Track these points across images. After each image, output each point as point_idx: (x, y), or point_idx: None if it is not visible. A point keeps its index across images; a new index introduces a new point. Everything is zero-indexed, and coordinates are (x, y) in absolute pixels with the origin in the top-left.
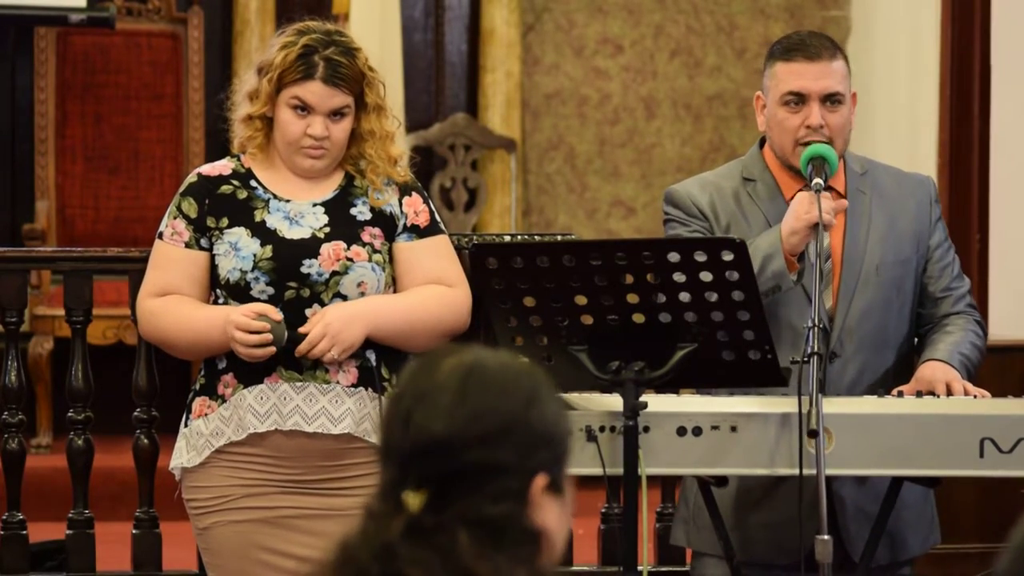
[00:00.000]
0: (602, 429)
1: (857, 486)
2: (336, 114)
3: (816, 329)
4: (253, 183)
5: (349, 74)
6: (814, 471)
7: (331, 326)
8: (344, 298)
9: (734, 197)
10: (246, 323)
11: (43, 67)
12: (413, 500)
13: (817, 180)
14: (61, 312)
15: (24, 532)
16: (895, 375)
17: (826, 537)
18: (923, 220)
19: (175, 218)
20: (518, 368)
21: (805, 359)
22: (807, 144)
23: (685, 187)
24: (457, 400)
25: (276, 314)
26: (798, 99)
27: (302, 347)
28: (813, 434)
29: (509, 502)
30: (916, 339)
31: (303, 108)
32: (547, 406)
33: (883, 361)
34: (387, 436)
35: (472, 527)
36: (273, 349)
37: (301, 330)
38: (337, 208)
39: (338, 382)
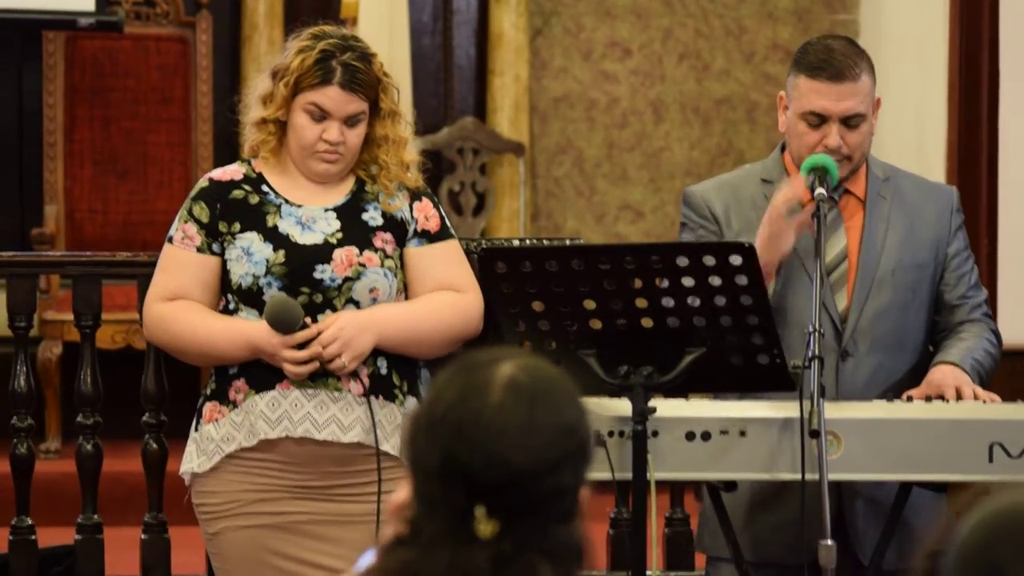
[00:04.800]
0: (611, 434)
1: (867, 489)
2: (352, 119)
3: (817, 334)
4: (264, 188)
5: (366, 80)
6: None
7: (345, 330)
8: (357, 304)
9: (751, 202)
10: (294, 356)
11: (51, 71)
12: (486, 527)
13: (820, 190)
14: (70, 317)
15: (33, 537)
16: (911, 378)
17: (829, 543)
18: (943, 227)
19: (186, 222)
20: (562, 381)
21: (807, 364)
22: None
23: (702, 188)
24: (528, 428)
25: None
26: (818, 118)
27: (312, 346)
28: (815, 435)
29: (571, 521)
30: (931, 347)
31: (319, 113)
32: (588, 419)
33: (899, 363)
34: (447, 457)
35: (545, 553)
36: (316, 364)
37: (315, 328)
38: (349, 214)
39: (349, 390)
